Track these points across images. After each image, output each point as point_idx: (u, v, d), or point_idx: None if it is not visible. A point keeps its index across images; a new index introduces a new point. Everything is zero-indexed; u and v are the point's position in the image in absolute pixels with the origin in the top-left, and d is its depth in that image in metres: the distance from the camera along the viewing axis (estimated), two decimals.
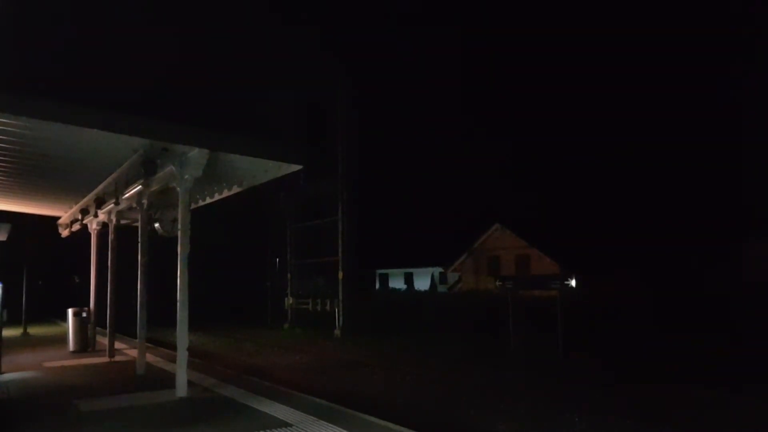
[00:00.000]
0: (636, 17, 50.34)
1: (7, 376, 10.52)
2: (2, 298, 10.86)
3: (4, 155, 9.53)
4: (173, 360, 9.45)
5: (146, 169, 9.08)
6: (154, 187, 10.12)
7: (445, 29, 61.62)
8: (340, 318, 22.22)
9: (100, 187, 12.04)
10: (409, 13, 60.74)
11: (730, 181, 32.63)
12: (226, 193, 11.98)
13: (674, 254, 25.07)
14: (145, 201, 10.74)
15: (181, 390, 8.62)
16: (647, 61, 46.95)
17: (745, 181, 31.87)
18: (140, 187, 9.82)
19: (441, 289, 37.06)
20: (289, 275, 26.36)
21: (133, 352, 12.62)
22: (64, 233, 17.68)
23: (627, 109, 43.18)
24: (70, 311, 13.93)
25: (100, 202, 12.44)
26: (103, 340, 13.85)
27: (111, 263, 13.16)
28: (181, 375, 8.65)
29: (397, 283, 41.51)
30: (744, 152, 33.39)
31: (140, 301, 10.60)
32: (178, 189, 9.03)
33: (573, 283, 15.08)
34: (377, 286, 42.00)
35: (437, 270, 38.65)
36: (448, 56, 62.01)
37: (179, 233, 8.90)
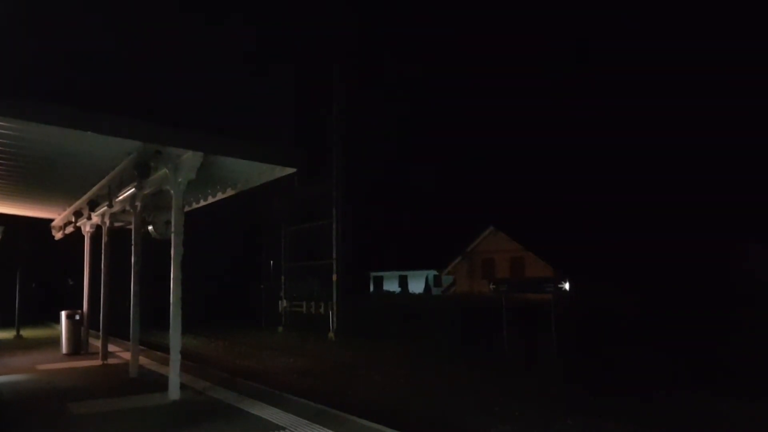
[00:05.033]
0: (634, 16, 50.56)
1: (0, 379, 10.48)
2: None
3: None
4: (166, 363, 9.44)
5: (140, 171, 9.07)
6: (148, 190, 10.12)
7: (440, 29, 61.78)
8: (334, 321, 22.22)
9: (94, 189, 12.02)
10: (404, 14, 60.89)
11: (728, 182, 32.75)
12: (220, 196, 11.98)
13: (670, 257, 25.15)
14: (138, 203, 10.72)
15: (174, 393, 8.61)
16: (646, 62, 47.17)
17: (744, 183, 32.00)
18: (134, 189, 9.82)
19: (435, 291, 37.10)
20: (283, 278, 26.34)
21: (126, 355, 12.59)
22: (58, 236, 17.63)
23: (624, 110, 43.32)
24: (63, 314, 13.88)
25: (93, 205, 12.41)
26: (96, 343, 13.81)
27: (104, 266, 13.12)
28: (174, 378, 8.64)
29: (391, 285, 41.50)
30: (742, 153, 33.55)
31: (133, 304, 10.57)
32: (172, 192, 9.03)
33: (567, 286, 15.13)
34: (371, 288, 41.99)
35: (432, 273, 38.69)
36: (444, 56, 62.11)
37: (173, 236, 8.89)
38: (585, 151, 40.65)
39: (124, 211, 12.00)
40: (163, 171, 9.13)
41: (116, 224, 13.58)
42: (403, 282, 41.78)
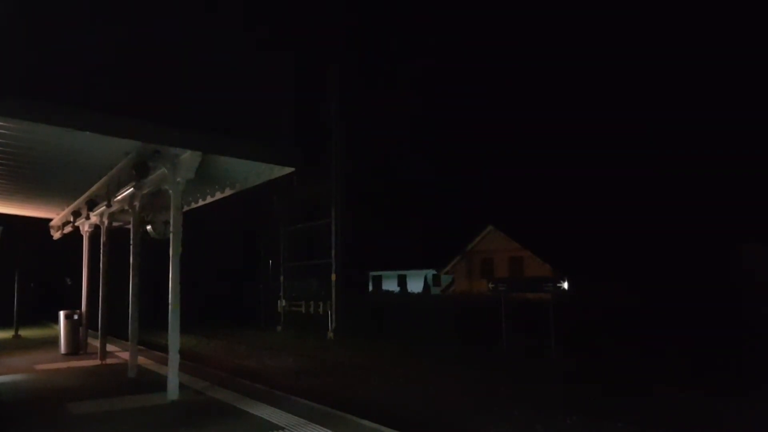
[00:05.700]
0: (635, 15, 50.61)
1: None
2: None
3: None
4: (165, 362, 9.43)
5: (138, 171, 9.05)
6: (146, 190, 10.10)
7: (440, 30, 61.76)
8: (333, 320, 22.22)
9: (92, 189, 12.00)
10: (403, 12, 60.88)
11: (727, 183, 32.74)
12: (218, 196, 11.96)
13: (670, 256, 25.15)
14: (137, 203, 10.71)
15: (173, 393, 8.60)
16: (644, 60, 47.23)
17: (744, 183, 31.99)
18: (132, 189, 9.80)
19: (434, 291, 37.12)
20: (282, 277, 26.33)
21: (125, 355, 12.58)
22: (56, 235, 17.60)
23: (623, 110, 43.33)
24: (61, 313, 13.86)
25: (92, 205, 12.40)
26: (95, 343, 13.80)
27: (103, 265, 13.11)
28: (173, 378, 8.63)
29: (390, 285, 41.53)
30: (741, 153, 33.55)
31: (132, 303, 10.56)
32: (171, 191, 9.02)
33: (565, 285, 15.14)
34: (370, 288, 41.99)
35: (431, 272, 38.71)
36: (443, 55, 62.12)
37: (171, 236, 8.88)
38: (584, 149, 40.65)
39: (122, 210, 11.99)
40: (162, 171, 9.12)
41: (115, 224, 13.57)
42: (402, 281, 41.80)
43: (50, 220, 17.70)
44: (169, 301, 8.64)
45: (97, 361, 12.61)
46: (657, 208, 32.23)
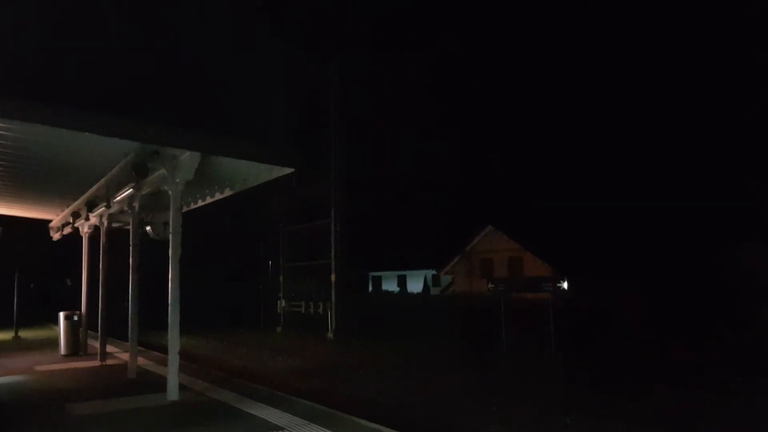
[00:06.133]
0: (635, 14, 50.62)
1: None
2: None
3: None
4: (165, 363, 9.43)
5: (137, 172, 9.06)
6: (146, 191, 10.11)
7: (440, 30, 61.78)
8: (333, 321, 22.20)
9: (92, 190, 12.01)
10: (402, 14, 60.90)
11: (728, 183, 32.72)
12: (218, 196, 11.97)
13: (669, 256, 25.15)
14: (136, 204, 10.72)
15: (173, 394, 8.61)
16: (646, 59, 47.24)
17: (744, 183, 31.97)
18: (131, 190, 9.81)
19: (434, 291, 37.13)
20: (281, 278, 26.31)
21: (125, 356, 12.58)
22: (56, 236, 17.61)
23: (622, 109, 43.34)
24: (61, 314, 13.87)
25: (91, 206, 12.41)
26: (95, 344, 13.80)
27: (102, 266, 13.12)
28: (173, 379, 8.64)
29: (390, 285, 41.55)
30: (742, 154, 33.54)
31: (132, 304, 10.57)
32: (170, 192, 9.02)
33: (565, 285, 15.13)
34: (370, 288, 42.01)
35: (430, 272, 38.72)
36: (444, 56, 62.14)
37: (171, 236, 8.89)
38: (583, 149, 40.67)
39: (122, 211, 12.00)
40: (161, 171, 9.12)
41: (114, 225, 13.57)
42: (402, 282, 41.82)
43: (50, 221, 17.70)
44: (169, 301, 8.65)
45: (97, 362, 12.61)
46: (657, 208, 32.22)
